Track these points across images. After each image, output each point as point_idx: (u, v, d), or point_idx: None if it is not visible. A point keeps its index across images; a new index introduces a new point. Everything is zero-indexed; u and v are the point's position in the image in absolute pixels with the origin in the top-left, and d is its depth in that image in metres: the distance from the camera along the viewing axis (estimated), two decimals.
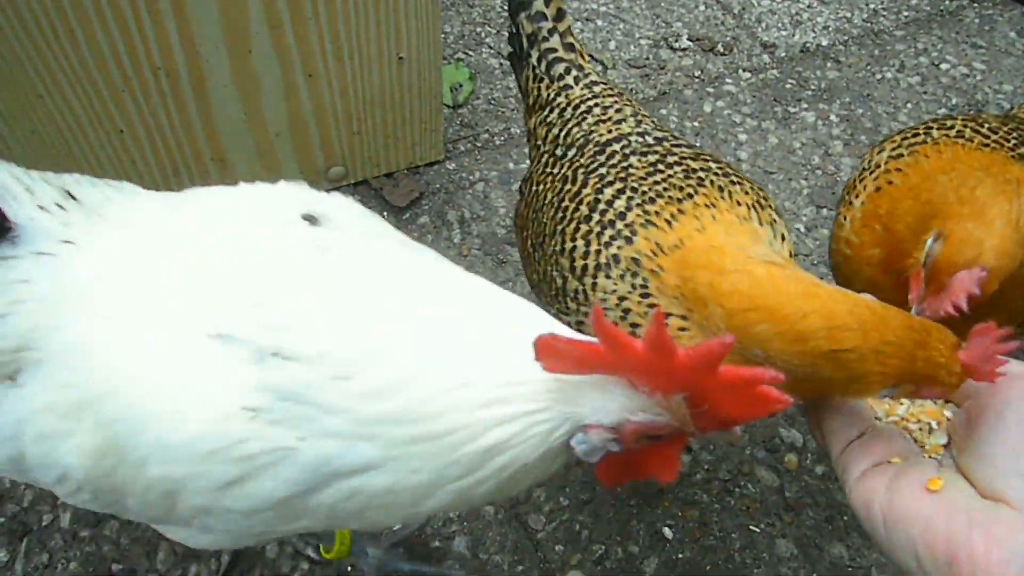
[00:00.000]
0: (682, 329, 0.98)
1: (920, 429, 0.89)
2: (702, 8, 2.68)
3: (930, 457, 0.84)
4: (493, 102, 2.31)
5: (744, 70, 2.47)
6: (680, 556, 1.49)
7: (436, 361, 0.75)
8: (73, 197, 0.92)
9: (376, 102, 1.87)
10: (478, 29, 2.53)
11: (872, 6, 2.73)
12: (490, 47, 2.46)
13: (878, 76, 2.47)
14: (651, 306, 1.00)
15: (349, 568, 1.43)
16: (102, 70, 1.53)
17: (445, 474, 0.75)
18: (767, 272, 0.90)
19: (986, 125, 1.25)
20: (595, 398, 0.73)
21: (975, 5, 2.75)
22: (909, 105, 2.38)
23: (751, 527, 1.54)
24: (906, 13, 2.71)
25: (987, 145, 1.20)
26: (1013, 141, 1.22)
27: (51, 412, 0.82)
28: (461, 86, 2.31)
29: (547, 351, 0.70)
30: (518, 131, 2.23)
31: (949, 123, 1.27)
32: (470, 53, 2.44)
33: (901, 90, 2.43)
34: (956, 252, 0.96)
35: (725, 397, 0.69)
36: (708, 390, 0.69)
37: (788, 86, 2.42)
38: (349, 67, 1.76)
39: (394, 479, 0.75)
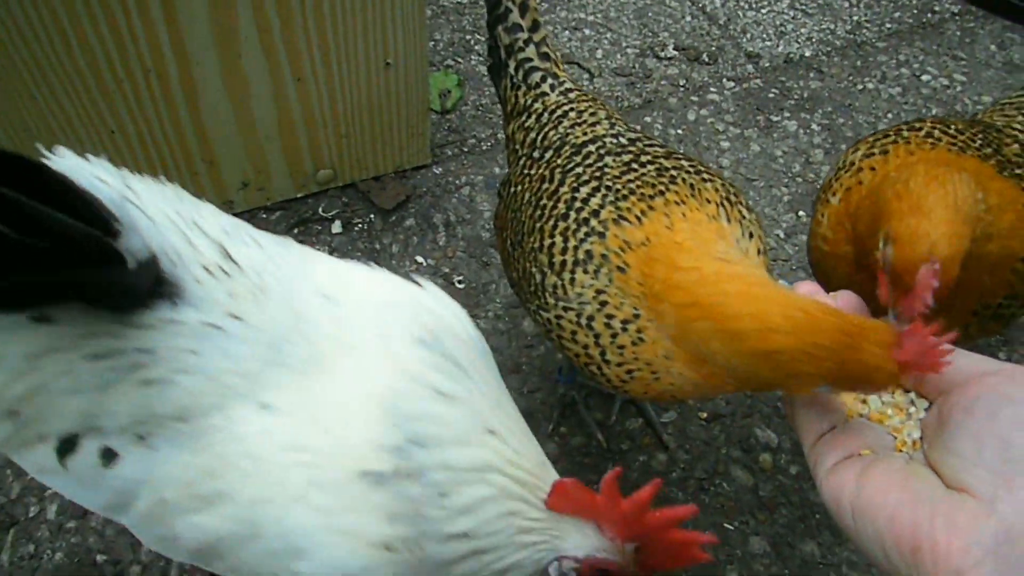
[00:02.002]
0: (650, 321, 1.01)
1: (896, 424, 0.90)
2: (688, 18, 2.72)
3: (902, 451, 0.86)
4: (481, 108, 2.35)
5: (728, 79, 2.52)
6: None
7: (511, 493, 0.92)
8: (232, 259, 0.88)
9: (364, 106, 1.91)
10: (467, 37, 2.57)
11: (855, 18, 2.78)
12: (479, 54, 2.50)
13: (860, 86, 2.51)
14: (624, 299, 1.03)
15: None
16: (94, 72, 1.57)
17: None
18: (715, 269, 0.93)
19: (953, 127, 1.29)
20: (576, 537, 0.93)
21: (957, 18, 2.80)
22: (890, 115, 2.42)
23: (726, 525, 1.56)
24: (889, 25, 2.76)
25: (955, 145, 1.24)
26: (979, 142, 1.26)
27: (186, 488, 0.83)
28: (450, 92, 2.35)
29: (561, 493, 0.92)
30: (504, 137, 2.26)
31: (918, 125, 1.32)
32: (459, 60, 2.48)
33: (882, 100, 2.47)
34: (909, 252, 0.96)
35: (659, 544, 0.92)
36: (647, 538, 0.91)
37: (771, 95, 2.46)
38: (337, 72, 1.80)
39: None
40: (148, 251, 0.78)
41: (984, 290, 1.20)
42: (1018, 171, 1.24)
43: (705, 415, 1.71)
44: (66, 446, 0.87)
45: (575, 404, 1.70)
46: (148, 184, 0.89)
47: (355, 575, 0.85)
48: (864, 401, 0.91)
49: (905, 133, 1.28)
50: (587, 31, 2.64)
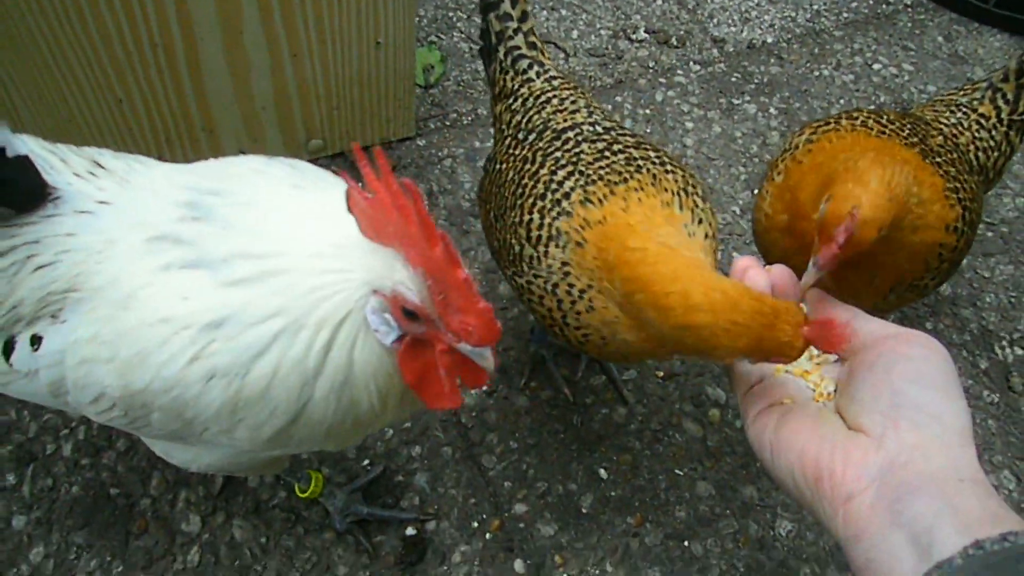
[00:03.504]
0: (600, 292, 1.16)
1: (815, 379, 1.05)
2: (659, 2, 2.87)
3: (819, 401, 0.98)
4: (462, 84, 2.49)
5: (694, 63, 2.68)
6: (613, 494, 1.70)
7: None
8: (101, 166, 1.08)
9: (354, 81, 2.04)
10: (450, 14, 2.69)
11: (815, 7, 2.95)
12: (461, 31, 2.63)
13: (816, 73, 2.69)
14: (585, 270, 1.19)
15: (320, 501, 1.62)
16: (106, 45, 1.68)
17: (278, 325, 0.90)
18: (656, 251, 1.07)
19: (885, 118, 1.47)
20: (379, 265, 0.87)
21: (909, 10, 2.98)
22: (842, 101, 2.60)
23: (676, 471, 1.75)
24: (846, 15, 2.93)
25: (884, 133, 1.42)
26: (906, 132, 1.44)
27: (94, 341, 0.98)
28: (433, 68, 2.48)
29: (353, 203, 0.86)
30: (484, 112, 2.41)
31: (855, 114, 1.49)
32: (442, 36, 2.61)
33: (836, 87, 2.65)
34: (839, 206, 1.14)
35: (458, 299, 0.84)
36: (447, 284, 0.83)
37: (733, 79, 2.63)
38: (331, 49, 1.93)
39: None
40: (22, 150, 0.99)
41: (902, 272, 1.39)
42: (938, 159, 1.42)
43: (662, 374, 1.90)
44: (8, 347, 1.08)
45: (545, 362, 1.87)
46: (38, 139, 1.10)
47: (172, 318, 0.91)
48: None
49: (843, 121, 1.46)
50: (564, 11, 2.78)
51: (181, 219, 0.97)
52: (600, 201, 1.19)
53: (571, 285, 1.20)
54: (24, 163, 0.99)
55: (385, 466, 1.69)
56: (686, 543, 1.64)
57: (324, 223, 0.92)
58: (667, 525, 1.66)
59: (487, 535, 1.62)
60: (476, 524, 1.63)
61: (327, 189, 1.00)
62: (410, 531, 1.61)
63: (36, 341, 1.04)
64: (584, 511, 1.67)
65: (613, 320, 1.16)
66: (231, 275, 0.91)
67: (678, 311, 0.99)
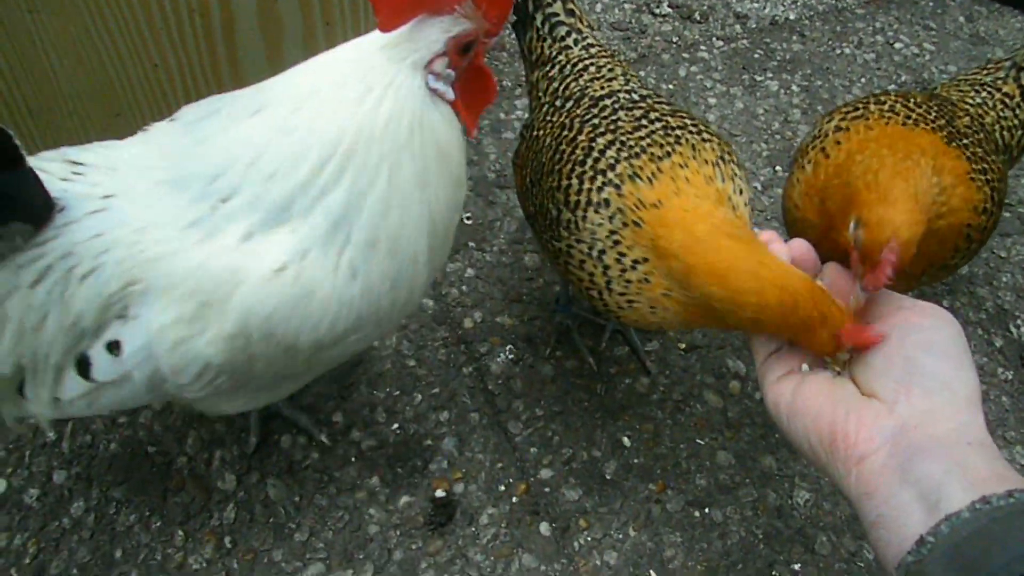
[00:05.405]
0: (656, 268, 1.18)
1: None
2: None
3: (834, 368, 1.02)
4: (485, 57, 2.50)
5: (717, 38, 2.68)
6: (636, 461, 1.74)
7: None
8: (79, 163, 1.05)
9: None
10: None
11: None
12: None
13: (838, 51, 2.70)
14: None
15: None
16: (145, 9, 1.70)
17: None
18: (727, 245, 1.09)
19: (912, 100, 1.49)
20: (422, 38, 0.99)
21: None
22: (863, 80, 2.61)
23: (697, 440, 1.79)
24: None
25: (910, 118, 1.43)
26: (933, 115, 1.46)
27: (180, 322, 0.98)
28: None
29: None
30: (509, 84, 2.42)
31: (883, 98, 1.50)
32: None
33: (857, 65, 2.66)
34: (876, 235, 1.12)
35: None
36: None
37: (756, 56, 2.64)
38: (363, 17, 1.94)
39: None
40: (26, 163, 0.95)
41: (932, 257, 1.42)
42: (965, 141, 1.45)
43: (684, 346, 1.94)
44: (83, 365, 1.04)
45: (569, 331, 1.90)
46: None
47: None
48: None
49: (872, 107, 1.48)
50: None
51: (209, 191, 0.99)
52: (650, 180, 1.20)
53: (622, 255, 1.21)
54: (32, 176, 0.95)
55: (415, 430, 1.73)
56: (706, 510, 1.68)
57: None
58: (688, 492, 1.70)
59: (514, 499, 1.66)
60: (503, 488, 1.67)
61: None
62: (439, 493, 1.65)
63: (114, 347, 1.02)
64: (608, 477, 1.71)
65: (664, 295, 1.19)
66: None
67: (752, 307, 1.04)
